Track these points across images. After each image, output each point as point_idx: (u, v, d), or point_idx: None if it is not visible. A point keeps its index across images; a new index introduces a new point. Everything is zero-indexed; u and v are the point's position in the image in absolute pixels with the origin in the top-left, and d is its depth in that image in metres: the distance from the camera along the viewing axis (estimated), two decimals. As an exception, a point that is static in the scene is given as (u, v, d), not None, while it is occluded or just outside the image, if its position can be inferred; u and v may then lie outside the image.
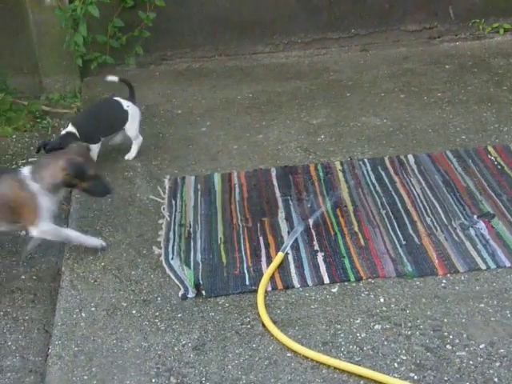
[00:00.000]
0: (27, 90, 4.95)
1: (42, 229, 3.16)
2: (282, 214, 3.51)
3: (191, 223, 3.49)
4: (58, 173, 3.16)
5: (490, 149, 3.92)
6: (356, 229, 3.36)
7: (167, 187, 3.79)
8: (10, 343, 2.90)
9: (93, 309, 2.97)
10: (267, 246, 3.29)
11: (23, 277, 3.27)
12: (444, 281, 2.99)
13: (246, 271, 3.13)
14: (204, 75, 5.18)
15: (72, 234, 3.33)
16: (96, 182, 3.26)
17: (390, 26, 5.38)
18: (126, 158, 4.05)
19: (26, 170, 3.18)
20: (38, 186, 3.13)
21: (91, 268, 3.22)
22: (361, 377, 2.54)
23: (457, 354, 2.61)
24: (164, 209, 3.61)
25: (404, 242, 3.23)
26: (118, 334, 2.82)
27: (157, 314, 2.92)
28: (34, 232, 3.16)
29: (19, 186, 3.12)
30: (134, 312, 2.94)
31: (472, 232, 3.26)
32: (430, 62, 5.10)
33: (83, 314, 2.94)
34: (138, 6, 5.04)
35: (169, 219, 3.52)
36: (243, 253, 3.25)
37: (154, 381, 2.59)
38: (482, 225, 3.30)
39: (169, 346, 2.75)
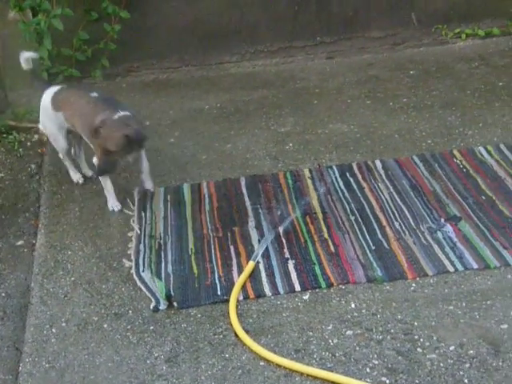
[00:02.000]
0: (-8, 104, 4.90)
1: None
2: (252, 223, 3.52)
3: (161, 235, 3.48)
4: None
5: (456, 152, 3.98)
6: (326, 235, 3.38)
7: (136, 199, 3.78)
8: (-21, 362, 2.87)
9: (63, 324, 2.94)
10: (238, 255, 3.29)
11: (-10, 294, 3.23)
12: (413, 284, 3.02)
13: (217, 281, 3.13)
14: (171, 86, 5.18)
15: (108, 185, 3.67)
16: (107, 158, 3.44)
17: (355, 33, 5.43)
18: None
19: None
20: None
21: (61, 283, 3.19)
22: (334, 383, 2.56)
23: (427, 356, 2.64)
24: (134, 221, 3.59)
25: (373, 247, 3.26)
26: (90, 348, 2.80)
27: (128, 327, 2.91)
28: (94, 160, 3.55)
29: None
30: (105, 326, 2.92)
31: (440, 235, 3.30)
32: (395, 68, 5.16)
33: (54, 330, 2.91)
34: (102, 19, 5.01)
35: (139, 231, 3.50)
36: (214, 263, 3.25)
37: (126, 395, 2.58)
38: (449, 228, 3.34)
39: (141, 359, 2.74)
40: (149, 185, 3.81)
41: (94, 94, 3.69)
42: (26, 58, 3.89)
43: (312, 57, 5.42)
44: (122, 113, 3.48)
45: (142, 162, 3.74)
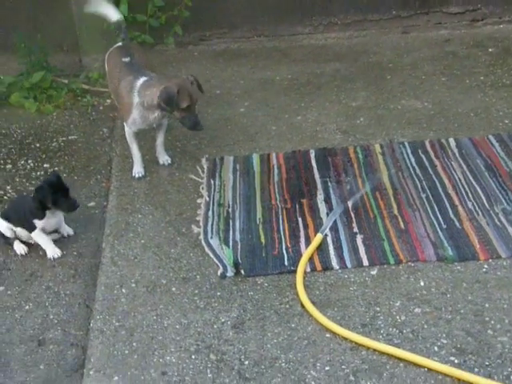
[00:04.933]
0: (67, 68, 4.97)
1: (126, 128, 3.73)
2: (320, 196, 3.50)
3: (230, 203, 3.50)
4: (154, 96, 3.48)
5: (534, 134, 3.86)
6: (396, 212, 3.33)
7: (206, 167, 3.80)
8: (51, 317, 2.95)
9: (133, 285, 3.00)
10: (306, 227, 3.28)
11: (64, 252, 3.30)
12: (485, 266, 2.95)
13: (284, 252, 3.13)
14: (242, 56, 5.16)
15: (135, 153, 3.75)
16: (188, 115, 3.49)
17: (432, 8, 5.28)
18: None
19: (141, 81, 3.57)
20: (138, 100, 3.55)
21: (131, 245, 3.25)
22: (400, 359, 2.54)
23: (498, 339, 2.59)
24: (203, 188, 3.62)
25: (445, 226, 3.20)
26: (158, 310, 2.85)
27: (196, 291, 2.94)
28: (125, 125, 3.74)
29: (129, 90, 3.59)
30: (173, 289, 2.96)
31: (515, 217, 3.22)
32: (473, 45, 5.02)
33: (124, 290, 2.97)
34: (178, -15, 5.02)
35: (208, 199, 3.53)
36: (282, 233, 3.25)
37: (193, 357, 2.61)
38: (524, 210, 3.26)
39: (208, 323, 2.77)
40: (162, 158, 3.84)
41: (126, 59, 3.75)
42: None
43: (387, 31, 5.31)
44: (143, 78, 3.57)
45: (159, 133, 3.79)
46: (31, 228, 3.25)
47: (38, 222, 3.23)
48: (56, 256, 3.26)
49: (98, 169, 3.95)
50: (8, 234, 3.33)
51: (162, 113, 3.58)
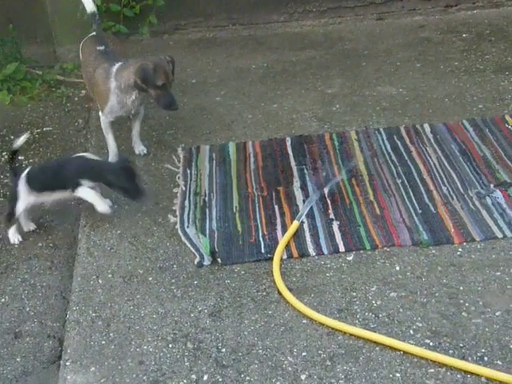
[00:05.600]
0: (41, 59, 4.93)
1: (102, 118, 3.69)
2: (297, 183, 3.51)
3: (206, 192, 3.49)
4: (130, 75, 3.48)
5: (508, 118, 3.89)
6: (371, 198, 3.35)
7: (182, 156, 3.79)
8: (28, 309, 2.94)
9: (109, 276, 2.99)
10: (282, 214, 3.29)
11: (40, 244, 3.29)
12: (460, 249, 2.98)
13: (261, 239, 3.14)
14: (218, 45, 5.15)
15: (111, 143, 3.73)
16: (164, 93, 3.46)
17: (407, -6, 5.31)
18: None
19: (117, 66, 3.55)
20: (115, 84, 3.53)
21: (107, 236, 3.24)
22: (376, 343, 2.55)
23: (472, 321, 2.62)
24: (179, 178, 3.61)
25: (420, 211, 3.22)
26: (135, 300, 2.85)
27: (173, 281, 2.94)
28: (100, 115, 3.70)
29: (105, 77, 3.56)
30: (150, 279, 2.96)
31: (488, 201, 3.24)
32: (447, 30, 5.04)
33: (100, 281, 2.96)
34: (152, -26, 4.99)
35: (184, 188, 3.52)
36: (258, 221, 3.25)
37: (170, 346, 2.61)
38: (498, 194, 3.28)
39: (185, 312, 2.77)
40: (138, 148, 3.83)
41: (101, 48, 3.73)
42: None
43: (361, 18, 5.32)
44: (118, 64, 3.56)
45: (135, 123, 3.78)
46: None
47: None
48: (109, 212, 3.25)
49: (74, 160, 3.92)
50: (21, 208, 3.24)
51: (139, 95, 3.55)
